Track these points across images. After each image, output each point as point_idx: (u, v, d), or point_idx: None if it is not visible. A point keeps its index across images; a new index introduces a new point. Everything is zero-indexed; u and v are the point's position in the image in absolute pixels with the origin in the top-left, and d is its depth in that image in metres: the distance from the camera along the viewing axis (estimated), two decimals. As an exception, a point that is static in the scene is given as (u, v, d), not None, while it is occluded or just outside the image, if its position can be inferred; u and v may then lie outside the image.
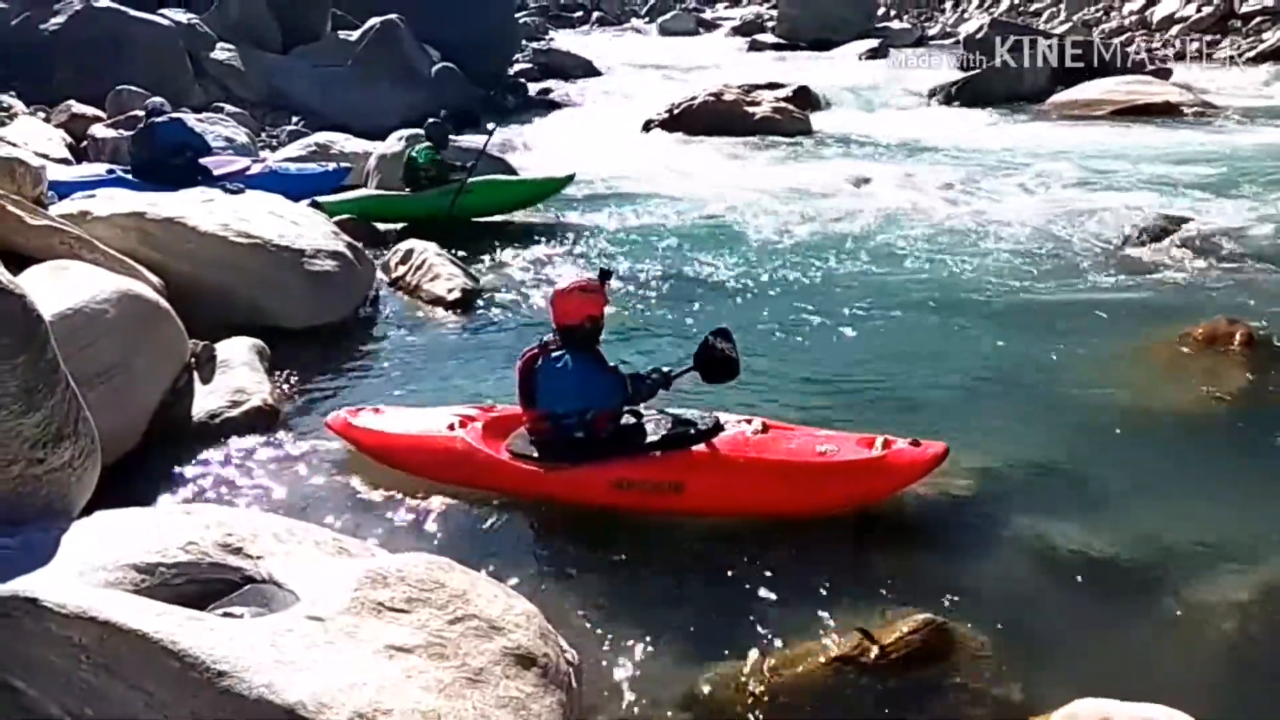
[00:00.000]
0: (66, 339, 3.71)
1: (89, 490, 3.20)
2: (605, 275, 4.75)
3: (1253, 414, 5.35)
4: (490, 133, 10.63)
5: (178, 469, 4.88)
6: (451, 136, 10.28)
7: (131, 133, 10.51)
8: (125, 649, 2.39)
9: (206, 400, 5.40)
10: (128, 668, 2.39)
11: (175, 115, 9.64)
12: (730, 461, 4.37)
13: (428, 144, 9.87)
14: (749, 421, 4.65)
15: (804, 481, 4.33)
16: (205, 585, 2.78)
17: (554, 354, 4.51)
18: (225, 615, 2.66)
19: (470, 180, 9.65)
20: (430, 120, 10.19)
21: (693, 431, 4.49)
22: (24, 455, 2.88)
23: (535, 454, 4.57)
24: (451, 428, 4.83)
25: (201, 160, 9.36)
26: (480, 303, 7.58)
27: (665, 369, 4.66)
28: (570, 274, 8.23)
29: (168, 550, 2.81)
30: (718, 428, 4.52)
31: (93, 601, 2.46)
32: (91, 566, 2.66)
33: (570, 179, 10.53)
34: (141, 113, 11.20)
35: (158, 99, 9.78)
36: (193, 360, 5.54)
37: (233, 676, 2.35)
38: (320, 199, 9.41)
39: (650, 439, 4.53)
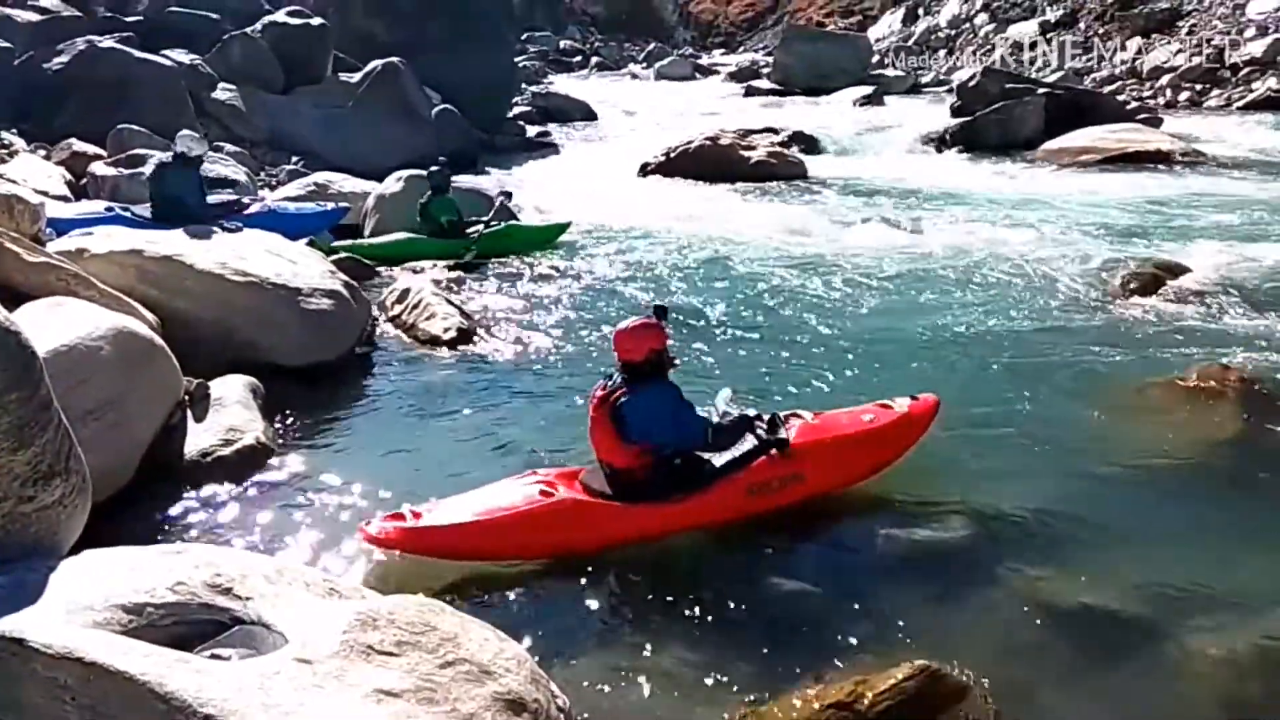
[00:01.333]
0: (60, 375, 3.70)
1: (79, 528, 3.18)
2: (661, 311, 4.78)
3: (1245, 459, 5.35)
4: (509, 196, 11.50)
5: (169, 507, 4.85)
6: (453, 179, 11.07)
7: (134, 171, 10.60)
8: (112, 690, 2.36)
9: (200, 438, 5.38)
10: (114, 709, 2.36)
11: (192, 155, 9.38)
12: (827, 444, 4.87)
13: (437, 194, 10.49)
14: (783, 417, 4.97)
15: (878, 444, 5.01)
16: (193, 626, 2.76)
17: (636, 388, 4.51)
18: (213, 657, 2.63)
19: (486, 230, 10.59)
20: (432, 169, 10.79)
21: (777, 430, 4.81)
22: (14, 492, 2.87)
23: (645, 494, 4.50)
24: (544, 494, 4.47)
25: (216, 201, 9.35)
26: (475, 342, 7.59)
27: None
28: (564, 315, 8.30)
29: (156, 590, 2.79)
30: (777, 422, 4.87)
31: (80, 642, 2.43)
32: (79, 606, 2.64)
33: (566, 226, 11.25)
34: (143, 151, 11.29)
35: (191, 133, 9.71)
36: (186, 398, 5.53)
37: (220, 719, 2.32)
38: (352, 242, 10.17)
39: (742, 447, 4.76)
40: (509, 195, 11.48)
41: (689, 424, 4.59)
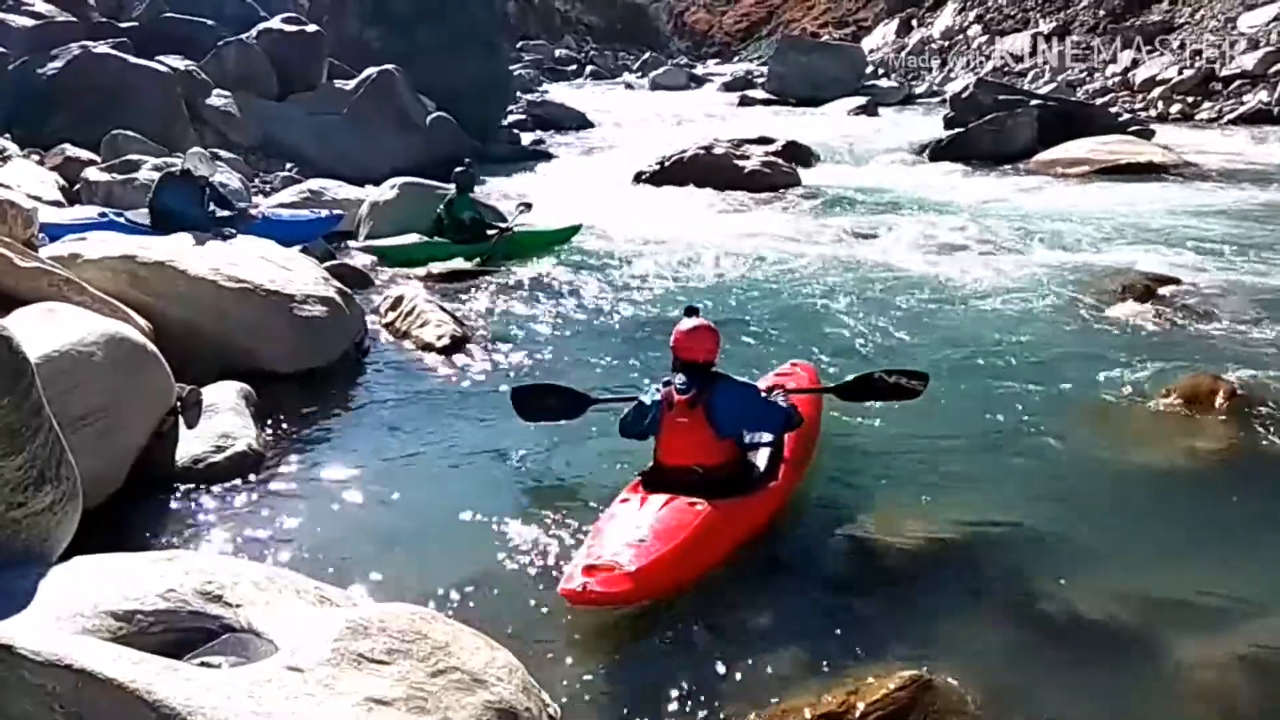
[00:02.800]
0: (51, 381, 3.70)
1: (69, 535, 3.17)
2: (694, 311, 4.91)
3: (1234, 471, 5.37)
4: (528, 207, 11.65)
5: (160, 514, 4.84)
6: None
7: (127, 177, 10.59)
8: (100, 698, 2.35)
9: (191, 444, 5.36)
10: (103, 717, 2.35)
11: (196, 174, 9.33)
12: (805, 400, 5.29)
13: (461, 193, 10.66)
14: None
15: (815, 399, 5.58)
16: (184, 634, 2.75)
17: (715, 386, 4.57)
18: (203, 665, 2.62)
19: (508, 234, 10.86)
20: (458, 169, 10.97)
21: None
22: (4, 498, 2.86)
23: (733, 489, 4.53)
24: (670, 507, 4.30)
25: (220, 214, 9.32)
26: (469, 349, 7.59)
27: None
28: (556, 323, 8.30)
29: (146, 598, 2.78)
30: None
31: (68, 649, 2.42)
32: (69, 613, 2.63)
33: (579, 228, 11.53)
34: (136, 157, 11.25)
35: (202, 151, 9.70)
36: (178, 404, 5.52)
37: (208, 728, 2.31)
38: (375, 243, 10.42)
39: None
40: (529, 207, 11.63)
41: (776, 411, 4.74)
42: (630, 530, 4.19)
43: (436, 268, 10.15)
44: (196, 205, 8.97)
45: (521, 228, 11.02)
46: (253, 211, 10.14)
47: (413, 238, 10.70)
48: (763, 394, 4.80)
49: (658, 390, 4.69)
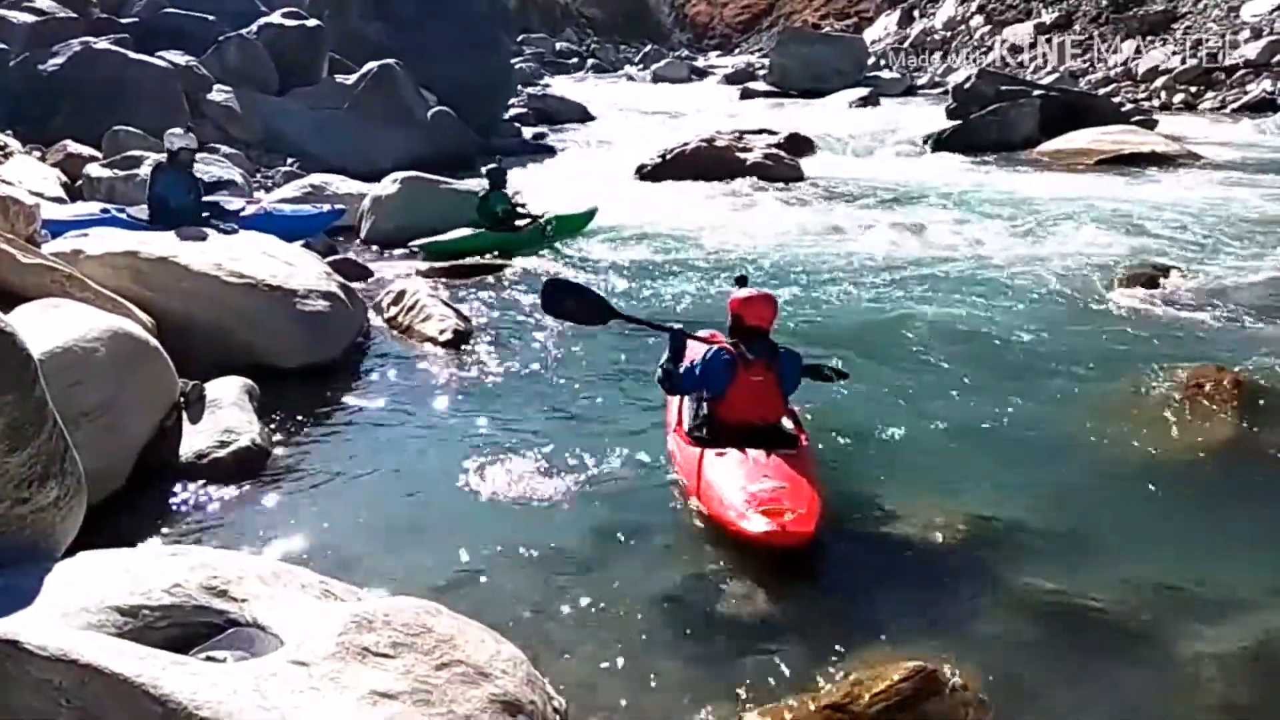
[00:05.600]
0: (55, 377, 3.69)
1: (74, 530, 3.17)
2: (744, 279, 5.43)
3: (1240, 460, 5.37)
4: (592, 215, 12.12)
5: (164, 509, 4.84)
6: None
7: (129, 173, 10.59)
8: (107, 692, 2.35)
9: (195, 440, 5.37)
10: (109, 712, 2.35)
11: (176, 149, 9.35)
12: None
13: (495, 188, 11.09)
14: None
15: None
16: (189, 628, 2.75)
17: (777, 351, 5.03)
18: (208, 659, 2.62)
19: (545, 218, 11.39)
20: (490, 166, 11.61)
21: None
22: (9, 494, 2.86)
23: (783, 442, 4.93)
24: (759, 465, 4.64)
25: (206, 200, 9.33)
26: (472, 343, 7.58)
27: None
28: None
29: (151, 592, 2.78)
30: None
31: (74, 644, 2.43)
32: (74, 608, 2.64)
33: (595, 212, 11.94)
34: (138, 153, 11.24)
35: (179, 130, 9.68)
36: (182, 399, 5.52)
37: (214, 722, 2.31)
38: (425, 240, 10.59)
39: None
40: (592, 214, 12.03)
41: (800, 373, 5.20)
42: (752, 477, 4.53)
43: (440, 263, 10.20)
44: (188, 191, 8.96)
45: (549, 215, 11.39)
46: (252, 208, 10.12)
47: (462, 231, 10.94)
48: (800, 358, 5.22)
49: (724, 352, 4.95)
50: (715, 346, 5.05)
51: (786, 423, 5.12)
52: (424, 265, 10.11)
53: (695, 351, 5.17)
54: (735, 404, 4.93)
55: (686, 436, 5.03)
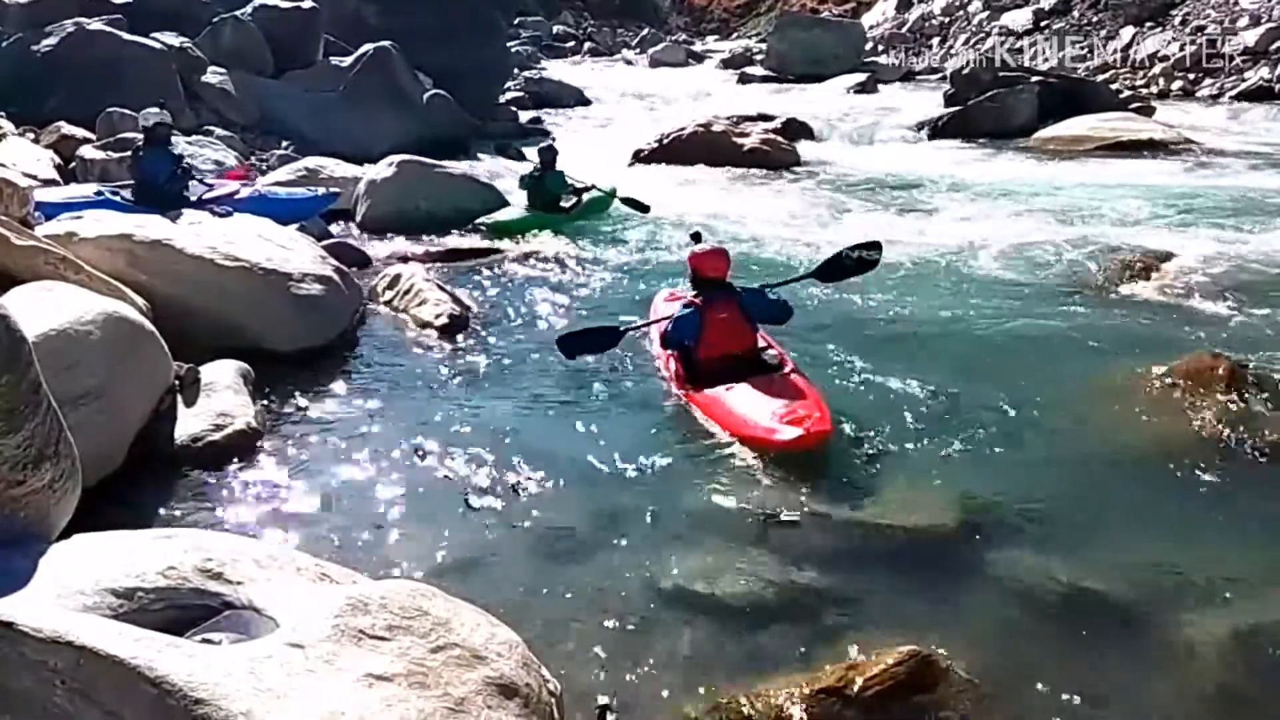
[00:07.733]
0: (49, 360, 3.68)
1: (69, 513, 3.17)
2: (698, 235, 6.47)
3: (1235, 449, 5.37)
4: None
5: (159, 492, 4.84)
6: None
7: (122, 155, 10.54)
8: (102, 674, 2.36)
9: (190, 423, 5.36)
10: (104, 694, 2.35)
11: (149, 125, 9.34)
12: None
13: (547, 169, 11.32)
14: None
15: None
16: (184, 611, 2.75)
17: (736, 291, 5.92)
18: (204, 641, 2.63)
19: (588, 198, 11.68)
20: (542, 145, 11.96)
21: None
22: (3, 476, 2.85)
23: (760, 369, 5.84)
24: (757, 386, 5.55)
25: (194, 182, 9.32)
26: (468, 328, 7.57)
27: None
28: (554, 301, 8.28)
29: (147, 575, 2.78)
30: None
31: (69, 626, 2.43)
32: (69, 590, 2.64)
33: (615, 191, 12.05)
34: (131, 135, 11.19)
35: (154, 109, 9.64)
36: (177, 382, 5.51)
37: (210, 704, 2.32)
38: (490, 219, 11.04)
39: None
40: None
41: (779, 304, 6.03)
42: (765, 400, 5.37)
43: (435, 247, 10.22)
44: (168, 169, 8.95)
45: (593, 194, 11.65)
46: (247, 190, 10.08)
47: (516, 211, 11.27)
48: (766, 291, 6.03)
49: (686, 307, 5.90)
50: (680, 302, 6.03)
51: (771, 353, 5.97)
52: (419, 249, 10.09)
53: (666, 310, 6.38)
54: (712, 341, 5.82)
55: (693, 385, 5.81)
